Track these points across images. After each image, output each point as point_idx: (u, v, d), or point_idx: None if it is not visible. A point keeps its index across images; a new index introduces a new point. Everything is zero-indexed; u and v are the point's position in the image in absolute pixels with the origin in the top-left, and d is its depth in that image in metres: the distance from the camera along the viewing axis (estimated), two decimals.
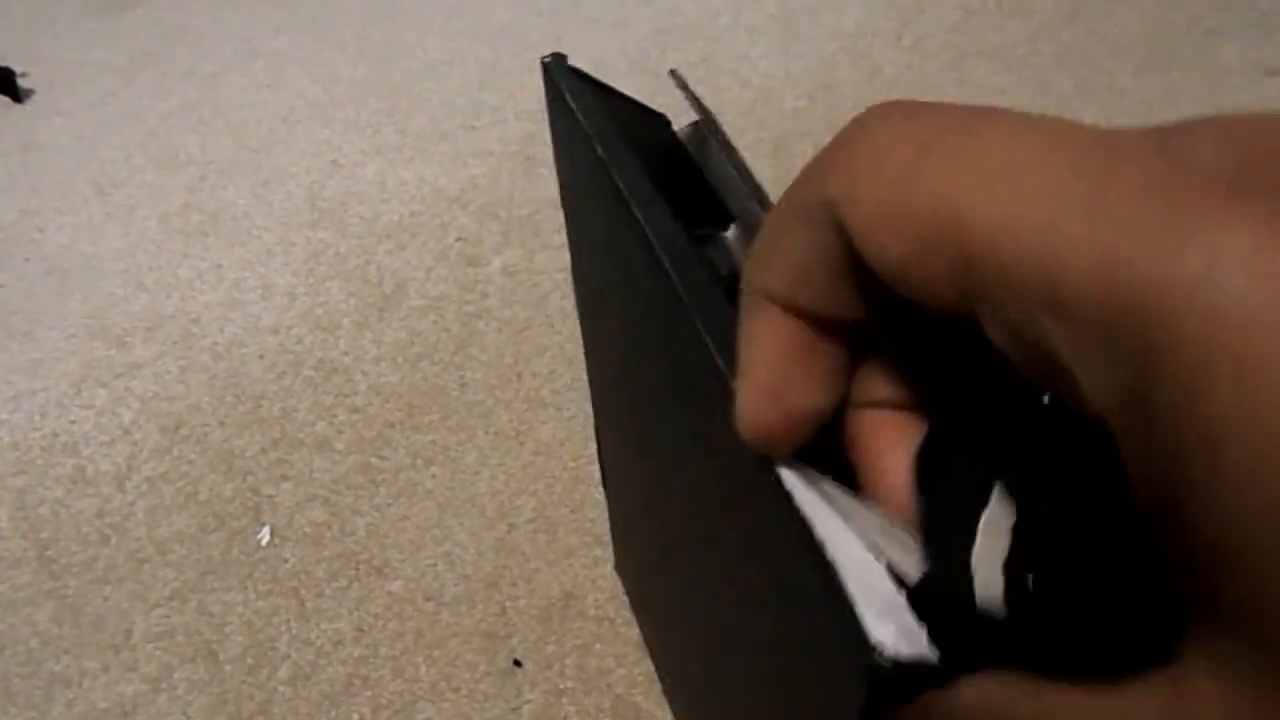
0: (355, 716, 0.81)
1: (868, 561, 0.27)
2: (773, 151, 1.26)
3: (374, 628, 0.85)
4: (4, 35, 1.55)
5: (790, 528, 0.28)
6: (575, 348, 1.03)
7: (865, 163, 0.25)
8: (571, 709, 0.80)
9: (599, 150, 0.42)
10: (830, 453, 0.30)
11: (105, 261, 1.18)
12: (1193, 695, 0.20)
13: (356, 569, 0.89)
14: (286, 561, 0.89)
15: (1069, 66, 1.37)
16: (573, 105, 0.44)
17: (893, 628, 0.25)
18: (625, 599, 0.85)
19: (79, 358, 1.07)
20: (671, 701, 0.77)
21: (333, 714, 0.81)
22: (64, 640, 0.84)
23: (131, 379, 1.04)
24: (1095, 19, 1.44)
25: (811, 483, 0.28)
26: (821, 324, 0.27)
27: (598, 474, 0.93)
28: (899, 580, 0.27)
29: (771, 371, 0.27)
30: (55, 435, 1.00)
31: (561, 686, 0.81)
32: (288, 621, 0.86)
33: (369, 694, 0.81)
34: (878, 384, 0.29)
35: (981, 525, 0.27)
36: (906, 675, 0.25)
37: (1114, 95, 1.32)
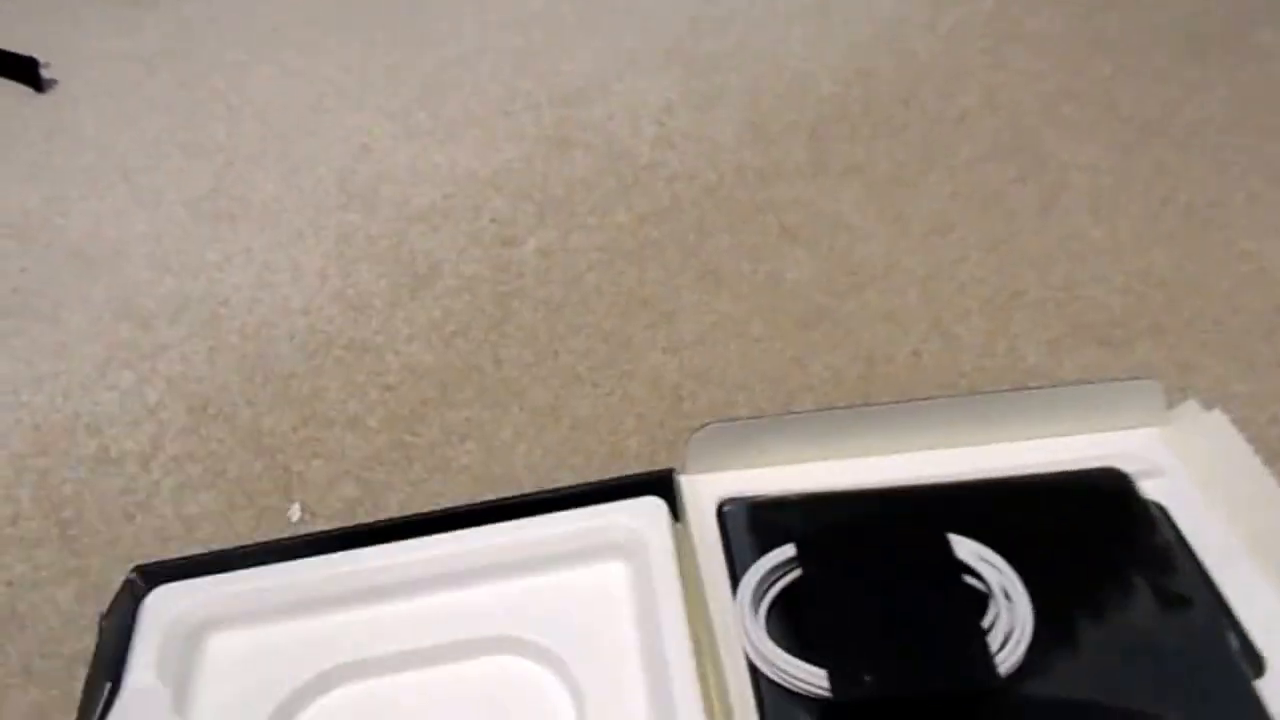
0: None
1: None
2: (808, 137, 1.23)
3: None
4: (26, 25, 1.54)
5: None
6: (612, 324, 1.01)
7: None
8: None
9: None
10: None
11: (131, 246, 1.16)
12: None
13: None
14: None
15: (1106, 51, 1.35)
16: None
17: None
18: None
19: (104, 340, 1.05)
20: None
21: None
22: (86, 619, 0.81)
23: (158, 360, 1.02)
24: (1131, 5, 1.42)
25: None
26: None
27: (635, 448, 0.90)
28: None
29: None
30: (78, 416, 0.97)
31: None
32: None
33: None
34: None
35: None
36: None
37: (1151, 78, 1.30)
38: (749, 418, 0.88)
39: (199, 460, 0.92)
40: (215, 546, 0.85)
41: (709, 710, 0.62)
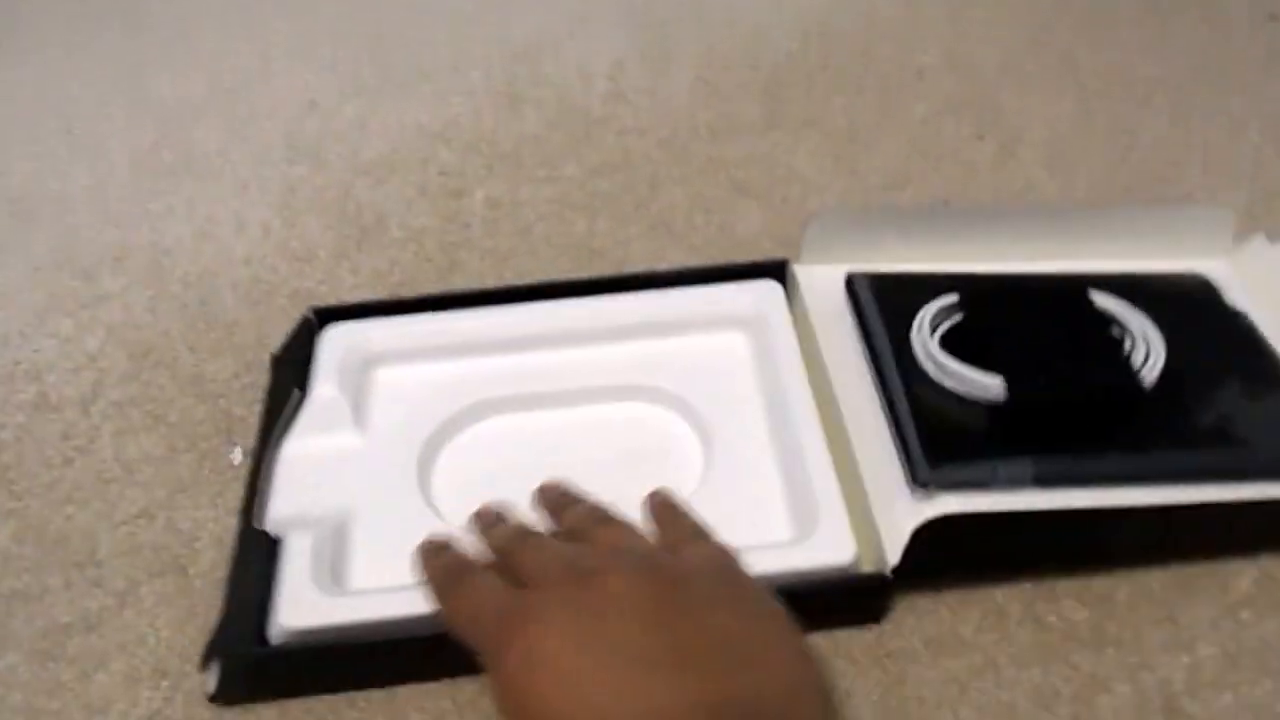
0: None
1: None
2: (762, 93, 1.22)
3: None
4: None
5: None
6: (560, 272, 1.00)
7: None
8: None
9: None
10: None
11: (72, 198, 1.13)
12: None
13: None
14: None
15: (1065, 9, 1.35)
16: None
17: None
18: None
19: (44, 289, 1.02)
20: None
21: None
22: (25, 559, 0.79)
23: (99, 308, 1.00)
24: None
25: None
26: None
27: None
28: None
29: None
30: (17, 364, 0.95)
31: None
32: None
33: None
34: None
35: None
36: None
37: (1110, 37, 1.30)
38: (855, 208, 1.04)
39: (140, 405, 0.90)
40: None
41: (830, 448, 0.73)
